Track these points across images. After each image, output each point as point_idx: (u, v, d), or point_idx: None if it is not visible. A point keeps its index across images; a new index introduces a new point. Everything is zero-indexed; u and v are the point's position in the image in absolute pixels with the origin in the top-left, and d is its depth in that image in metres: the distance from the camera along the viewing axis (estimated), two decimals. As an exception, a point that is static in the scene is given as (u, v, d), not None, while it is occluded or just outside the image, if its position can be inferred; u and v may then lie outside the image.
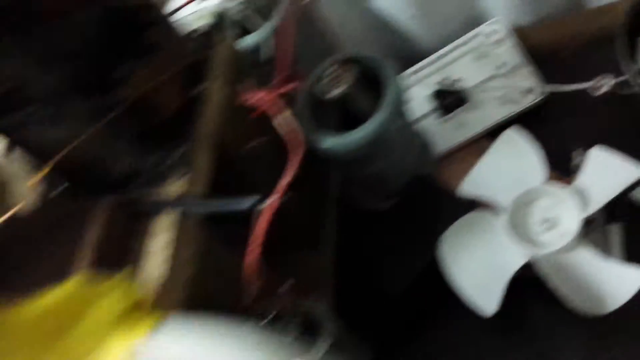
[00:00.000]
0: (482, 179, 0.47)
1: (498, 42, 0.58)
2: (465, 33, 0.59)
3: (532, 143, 0.47)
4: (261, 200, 0.33)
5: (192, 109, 0.38)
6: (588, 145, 0.49)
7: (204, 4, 0.49)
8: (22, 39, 0.33)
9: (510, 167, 0.46)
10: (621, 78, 0.45)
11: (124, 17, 0.38)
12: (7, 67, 0.32)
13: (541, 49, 0.58)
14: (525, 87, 0.53)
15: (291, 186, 0.35)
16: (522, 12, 0.59)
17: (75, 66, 0.35)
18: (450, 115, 0.57)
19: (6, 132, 0.35)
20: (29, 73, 0.33)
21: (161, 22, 0.39)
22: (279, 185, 0.33)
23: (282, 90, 0.37)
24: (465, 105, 0.56)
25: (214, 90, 0.40)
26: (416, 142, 0.49)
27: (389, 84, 0.41)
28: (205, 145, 0.36)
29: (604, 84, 0.44)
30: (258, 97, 0.34)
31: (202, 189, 0.35)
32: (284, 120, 0.32)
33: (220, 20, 0.46)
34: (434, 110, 0.57)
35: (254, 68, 0.45)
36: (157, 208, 0.35)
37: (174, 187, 0.36)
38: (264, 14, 0.52)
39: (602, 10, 0.57)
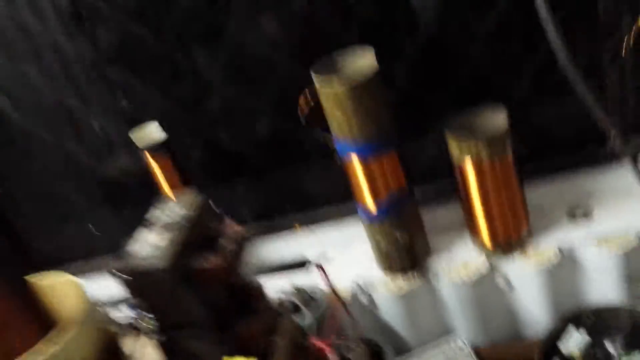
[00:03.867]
0: None
1: (461, 351, 0.85)
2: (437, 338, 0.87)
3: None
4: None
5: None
6: None
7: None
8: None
9: None
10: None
11: (242, 290, 0.68)
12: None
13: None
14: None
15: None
16: (477, 334, 0.88)
17: (216, 314, 0.63)
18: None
19: (169, 340, 0.62)
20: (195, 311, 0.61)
21: (261, 295, 0.68)
22: None
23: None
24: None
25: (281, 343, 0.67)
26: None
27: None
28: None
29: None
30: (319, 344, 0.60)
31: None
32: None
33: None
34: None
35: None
36: None
37: None
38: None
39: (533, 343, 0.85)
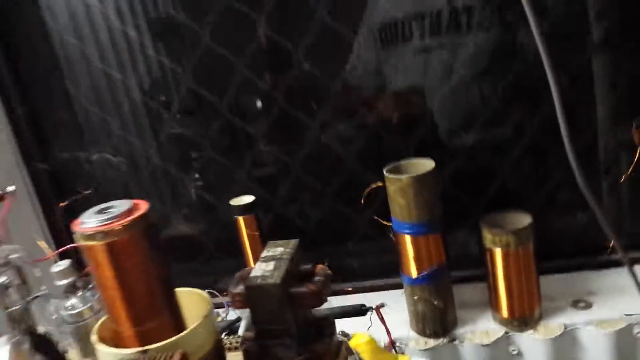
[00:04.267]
0: None
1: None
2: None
3: None
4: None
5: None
6: None
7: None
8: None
9: None
10: None
11: (320, 318, 0.87)
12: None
13: None
14: None
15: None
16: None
17: (302, 330, 0.83)
18: None
19: (259, 347, 0.82)
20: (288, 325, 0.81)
21: (333, 325, 0.88)
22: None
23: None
24: None
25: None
26: None
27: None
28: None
29: None
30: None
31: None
32: None
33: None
34: None
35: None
36: None
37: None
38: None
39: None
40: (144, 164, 1.33)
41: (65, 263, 0.96)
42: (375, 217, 1.15)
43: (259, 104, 1.26)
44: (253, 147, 1.27)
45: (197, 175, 1.35)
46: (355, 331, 0.75)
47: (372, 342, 0.69)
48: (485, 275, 1.05)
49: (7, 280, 0.84)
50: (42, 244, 0.87)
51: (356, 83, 1.22)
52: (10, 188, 0.87)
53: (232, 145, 1.30)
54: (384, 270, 1.21)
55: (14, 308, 0.83)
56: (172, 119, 1.29)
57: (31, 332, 0.84)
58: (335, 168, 1.23)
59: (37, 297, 0.83)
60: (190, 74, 1.25)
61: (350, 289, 1.20)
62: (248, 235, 1.15)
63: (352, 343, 0.71)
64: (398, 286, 1.11)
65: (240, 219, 1.15)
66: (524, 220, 1.00)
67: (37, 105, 1.33)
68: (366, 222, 1.22)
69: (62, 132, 1.36)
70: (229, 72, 1.21)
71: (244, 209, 1.14)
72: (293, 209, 1.29)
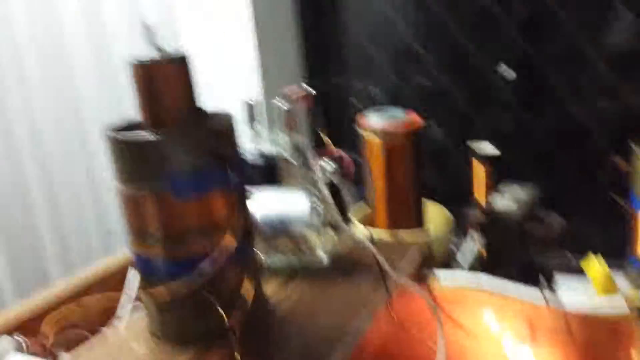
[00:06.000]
0: None
1: None
2: None
3: None
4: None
5: None
6: None
7: None
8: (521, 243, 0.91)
9: None
10: None
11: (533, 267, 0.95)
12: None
13: None
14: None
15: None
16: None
17: (523, 268, 0.91)
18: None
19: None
20: (518, 260, 0.90)
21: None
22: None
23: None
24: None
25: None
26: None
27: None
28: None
29: None
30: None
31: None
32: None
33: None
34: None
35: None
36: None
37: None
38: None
39: None
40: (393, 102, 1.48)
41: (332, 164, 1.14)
42: (612, 194, 1.17)
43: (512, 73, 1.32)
44: (503, 109, 1.35)
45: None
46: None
47: (605, 267, 0.75)
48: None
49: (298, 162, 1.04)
50: (325, 136, 1.04)
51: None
52: (310, 89, 1.06)
53: (479, 100, 1.39)
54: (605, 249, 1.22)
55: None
56: (427, 69, 1.41)
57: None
58: (579, 140, 1.27)
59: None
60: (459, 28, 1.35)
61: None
62: (487, 183, 1.24)
63: (584, 263, 0.79)
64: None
65: (478, 165, 1.23)
66: None
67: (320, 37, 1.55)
68: (595, 196, 1.25)
69: (334, 61, 1.57)
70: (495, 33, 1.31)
71: (485, 158, 1.23)
72: (527, 172, 1.35)
